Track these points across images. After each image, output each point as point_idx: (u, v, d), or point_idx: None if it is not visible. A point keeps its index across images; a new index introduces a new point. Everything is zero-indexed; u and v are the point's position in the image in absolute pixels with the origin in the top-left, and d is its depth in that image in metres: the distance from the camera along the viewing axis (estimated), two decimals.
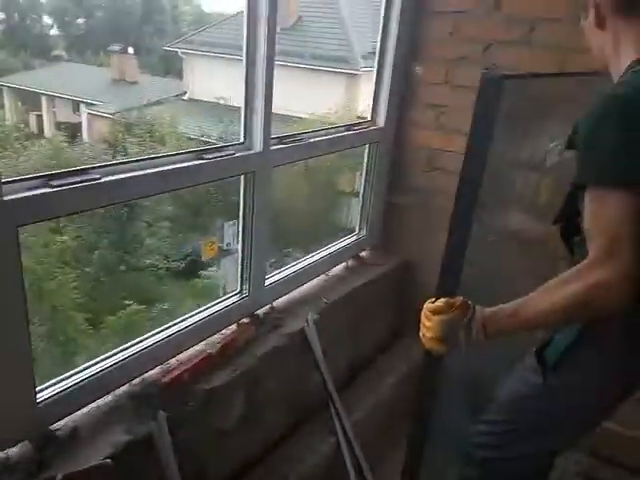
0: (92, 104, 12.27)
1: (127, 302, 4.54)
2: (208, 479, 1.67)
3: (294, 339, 1.86)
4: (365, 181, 2.40)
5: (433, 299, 1.18)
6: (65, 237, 5.03)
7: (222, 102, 10.38)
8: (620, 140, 0.96)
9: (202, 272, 3.89)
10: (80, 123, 12.25)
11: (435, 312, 1.13)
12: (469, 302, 1.12)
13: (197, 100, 12.02)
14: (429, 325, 1.14)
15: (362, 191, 2.41)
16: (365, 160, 2.38)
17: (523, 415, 1.31)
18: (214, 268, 4.00)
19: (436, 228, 2.32)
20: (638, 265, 0.91)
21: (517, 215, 1.91)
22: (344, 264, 2.36)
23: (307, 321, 1.92)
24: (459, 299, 1.13)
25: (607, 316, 1.00)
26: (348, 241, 2.38)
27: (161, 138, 9.80)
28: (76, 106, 13.09)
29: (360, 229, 2.44)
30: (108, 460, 1.24)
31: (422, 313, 1.17)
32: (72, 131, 10.71)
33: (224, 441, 1.69)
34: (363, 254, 2.45)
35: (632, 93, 1.00)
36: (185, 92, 12.64)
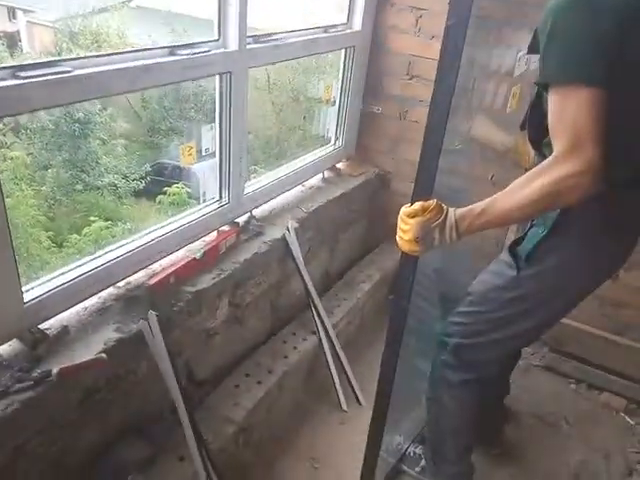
0: (30, 11, 11.12)
1: (92, 218, 4.42)
2: (197, 375, 1.74)
3: (275, 246, 1.89)
4: (341, 89, 2.34)
5: (409, 204, 1.22)
6: (17, 153, 4.73)
7: (173, 10, 9.63)
8: (583, 34, 0.95)
9: (167, 189, 3.79)
10: (18, 32, 11.15)
11: (411, 215, 1.18)
12: (442, 204, 1.17)
13: (145, 7, 11.07)
14: (405, 228, 1.19)
15: (338, 100, 2.36)
16: (341, 66, 2.30)
17: (496, 304, 1.40)
18: (179, 185, 3.90)
19: (412, 138, 2.34)
20: (602, 158, 0.95)
21: (486, 124, 1.94)
22: (320, 175, 2.35)
23: (287, 228, 1.94)
24: (433, 202, 1.17)
25: (575, 204, 1.04)
26: (324, 152, 2.36)
27: (109, 48, 9.11)
28: (12, 13, 11.85)
29: (336, 139, 2.41)
30: (102, 354, 1.26)
31: (399, 217, 1.22)
32: (10, 41, 9.77)
33: (211, 340, 1.75)
34: (339, 165, 2.44)
35: None
36: None
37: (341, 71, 2.32)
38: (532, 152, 1.44)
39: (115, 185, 6.35)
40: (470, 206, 1.14)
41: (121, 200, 6.37)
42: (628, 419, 2.14)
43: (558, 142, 1.00)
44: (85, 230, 4.18)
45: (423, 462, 1.81)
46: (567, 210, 1.17)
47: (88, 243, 4.17)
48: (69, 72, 1.22)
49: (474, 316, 1.44)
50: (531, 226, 1.30)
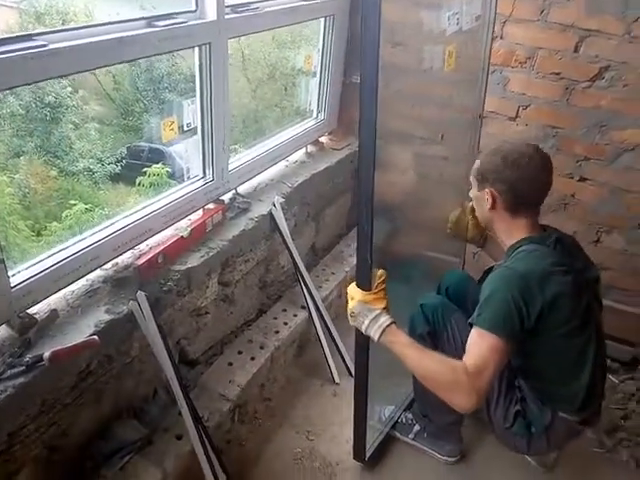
0: None
1: (73, 202, 4.29)
2: (189, 354, 1.73)
3: (262, 222, 1.87)
4: (322, 60, 2.29)
5: (354, 283, 1.36)
6: None
7: None
8: (505, 302, 1.28)
9: (147, 169, 3.69)
10: None
11: (351, 295, 1.35)
12: (386, 301, 1.32)
13: None
14: (349, 298, 1.37)
15: (319, 72, 2.32)
16: (321, 36, 2.25)
17: None
18: (159, 165, 3.81)
19: (395, 108, 2.31)
20: (484, 392, 1.25)
21: None
22: (304, 150, 2.32)
23: (274, 204, 1.92)
24: (381, 291, 1.31)
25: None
26: (306, 126, 2.32)
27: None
28: None
29: (318, 112, 2.37)
30: (94, 336, 1.24)
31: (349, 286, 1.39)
32: None
33: (202, 319, 1.73)
34: (322, 139, 2.41)
35: (524, 270, 1.32)
36: None
37: (321, 41, 2.27)
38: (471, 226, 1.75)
39: (90, 170, 6.18)
40: (404, 334, 1.32)
41: (98, 185, 6.21)
42: (612, 378, 2.20)
43: (468, 359, 1.26)
44: (65, 213, 4.05)
45: (416, 427, 1.85)
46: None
47: (68, 229, 4.06)
48: (44, 46, 1.17)
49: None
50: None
